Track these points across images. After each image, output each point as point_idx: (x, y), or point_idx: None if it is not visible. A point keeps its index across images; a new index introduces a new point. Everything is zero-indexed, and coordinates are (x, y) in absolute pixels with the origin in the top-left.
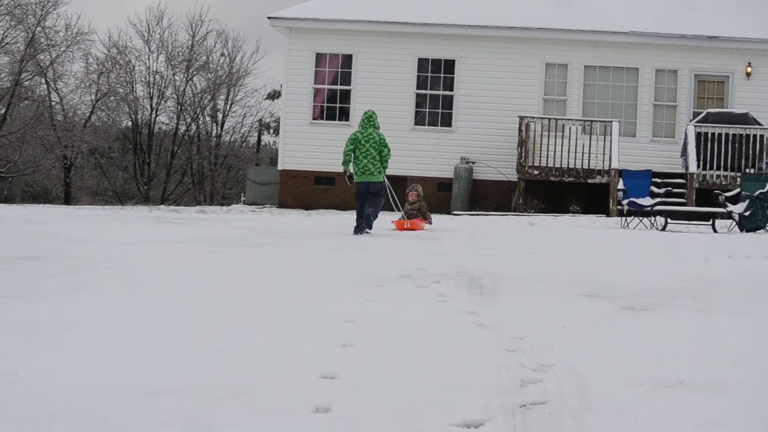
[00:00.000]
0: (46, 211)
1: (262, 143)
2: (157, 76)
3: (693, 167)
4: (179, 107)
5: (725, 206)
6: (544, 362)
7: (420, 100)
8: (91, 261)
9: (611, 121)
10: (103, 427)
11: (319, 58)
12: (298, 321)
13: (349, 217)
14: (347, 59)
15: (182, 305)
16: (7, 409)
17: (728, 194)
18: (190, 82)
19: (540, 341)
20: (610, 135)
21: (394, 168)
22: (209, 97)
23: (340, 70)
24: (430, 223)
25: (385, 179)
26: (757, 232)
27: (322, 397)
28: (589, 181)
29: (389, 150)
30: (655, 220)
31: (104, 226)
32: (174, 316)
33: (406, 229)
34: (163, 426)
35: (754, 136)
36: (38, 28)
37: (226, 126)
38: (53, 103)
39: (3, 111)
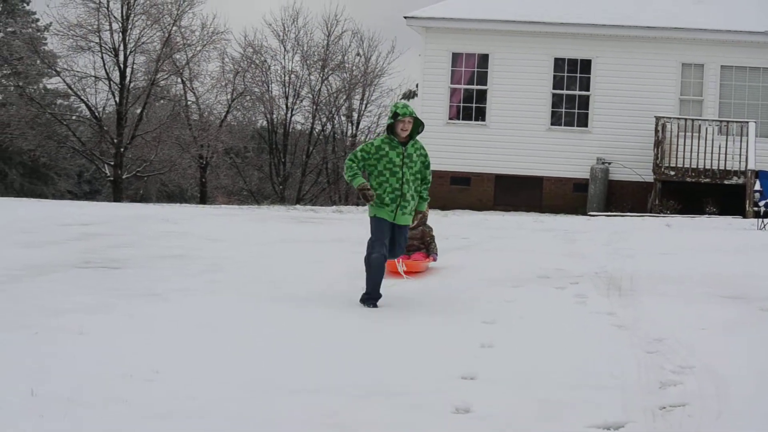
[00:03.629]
0: (183, 211)
1: None
2: (292, 76)
3: None
4: (314, 107)
5: None
6: (683, 364)
7: (556, 101)
8: (230, 260)
9: (748, 122)
10: (246, 424)
11: (455, 57)
12: (437, 321)
13: (485, 218)
14: (483, 59)
15: (324, 306)
16: (148, 406)
17: None
18: (325, 82)
19: (679, 343)
20: (747, 135)
21: (530, 168)
22: (344, 97)
23: (476, 69)
24: (435, 258)
25: None
26: None
27: (462, 397)
28: (725, 182)
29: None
30: None
31: (242, 226)
32: (315, 316)
33: (404, 274)
34: (304, 423)
35: None
36: (174, 28)
37: (361, 126)
38: (189, 102)
39: (139, 110)
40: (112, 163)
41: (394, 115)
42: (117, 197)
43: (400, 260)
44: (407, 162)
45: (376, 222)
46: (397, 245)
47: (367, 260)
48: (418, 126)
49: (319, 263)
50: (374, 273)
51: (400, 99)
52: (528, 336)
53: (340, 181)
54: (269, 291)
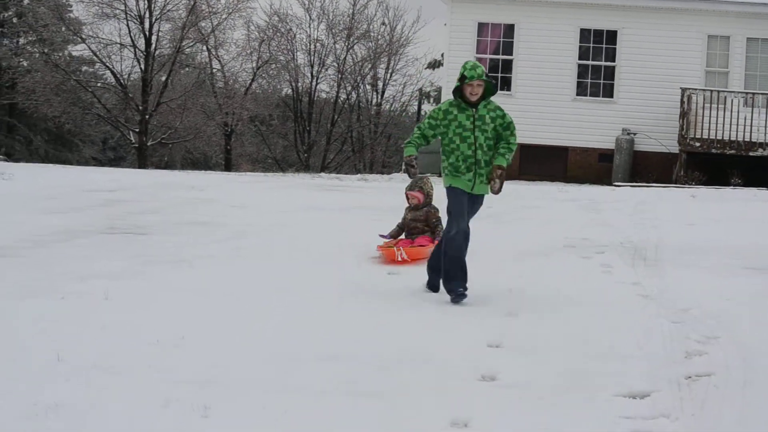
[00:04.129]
0: (208, 178)
1: (422, 112)
2: (317, 44)
3: None
4: (339, 75)
5: None
6: (708, 334)
7: (582, 71)
8: (255, 227)
9: None
10: (270, 391)
11: (481, 27)
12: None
13: (510, 188)
14: (509, 29)
15: (349, 275)
16: (174, 372)
17: None
18: (350, 51)
19: (704, 313)
20: None
21: (555, 138)
22: (369, 66)
23: (502, 39)
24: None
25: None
26: None
27: (489, 365)
28: (751, 153)
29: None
30: None
31: (267, 193)
32: (340, 285)
33: (401, 263)
34: (329, 390)
35: None
36: None
37: (386, 95)
38: (214, 70)
39: (164, 78)
40: (137, 130)
41: (461, 78)
42: (142, 164)
43: (400, 246)
44: (479, 125)
45: (452, 193)
46: (470, 216)
47: (447, 240)
48: (490, 89)
49: (343, 231)
50: (455, 253)
51: (468, 61)
52: (553, 305)
53: (365, 149)
54: (293, 258)
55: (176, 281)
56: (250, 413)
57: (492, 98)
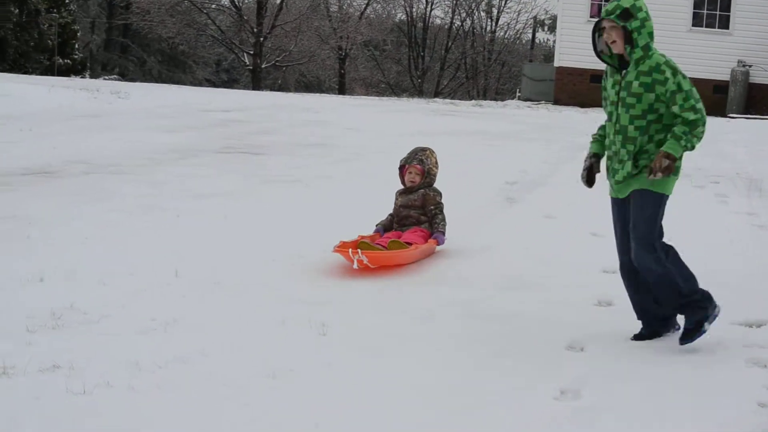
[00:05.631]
0: (322, 100)
1: (536, 40)
2: None
3: None
4: (454, 1)
5: None
6: None
7: (698, 2)
8: (370, 149)
9: None
10: (381, 312)
11: None
12: (574, 219)
13: None
14: None
15: (464, 196)
16: (287, 290)
17: None
18: None
19: None
20: None
21: None
22: None
23: None
24: (442, 240)
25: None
26: None
27: (604, 291)
28: None
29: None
30: None
31: (381, 116)
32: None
33: (356, 264)
34: (446, 314)
35: None
36: None
37: (500, 22)
38: None
39: (279, 0)
40: (252, 53)
41: (597, 23)
42: (256, 86)
43: (358, 250)
44: (623, 96)
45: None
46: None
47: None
48: (641, 32)
49: (459, 155)
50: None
51: None
52: (667, 233)
53: (478, 76)
54: None
55: (292, 201)
56: (366, 334)
57: (659, 52)
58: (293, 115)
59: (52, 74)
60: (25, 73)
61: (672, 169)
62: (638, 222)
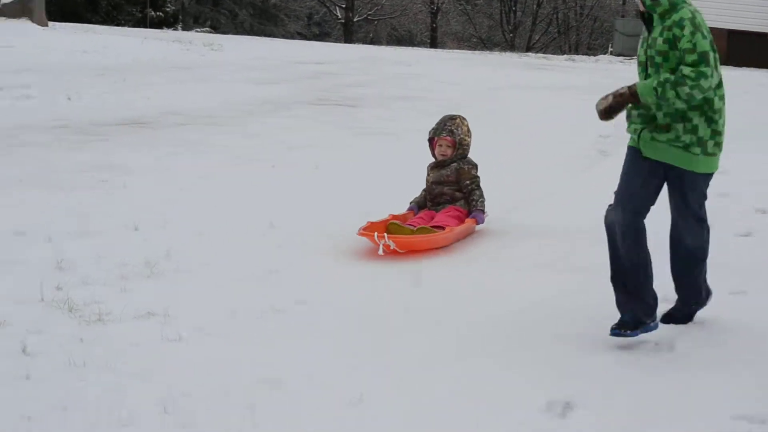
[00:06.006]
0: (415, 54)
1: None
2: None
3: None
4: None
5: None
6: None
7: None
8: (465, 102)
9: None
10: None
11: None
12: None
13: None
14: None
15: (556, 150)
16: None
17: None
18: None
19: None
20: None
21: (765, 25)
22: None
23: None
24: (482, 219)
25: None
26: None
27: None
28: None
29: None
30: None
31: (475, 70)
32: (545, 157)
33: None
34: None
35: None
36: None
37: None
38: None
39: None
40: (344, 6)
41: None
42: (348, 40)
43: (384, 234)
44: (651, 55)
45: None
46: (672, 204)
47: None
48: None
49: (554, 108)
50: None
51: None
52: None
53: (570, 31)
54: (503, 132)
55: (384, 153)
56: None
57: (691, 7)
58: (386, 68)
59: (145, 26)
60: (117, 25)
61: (611, 110)
62: (691, 201)
